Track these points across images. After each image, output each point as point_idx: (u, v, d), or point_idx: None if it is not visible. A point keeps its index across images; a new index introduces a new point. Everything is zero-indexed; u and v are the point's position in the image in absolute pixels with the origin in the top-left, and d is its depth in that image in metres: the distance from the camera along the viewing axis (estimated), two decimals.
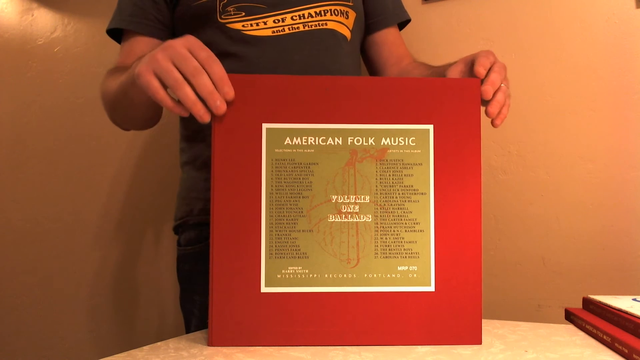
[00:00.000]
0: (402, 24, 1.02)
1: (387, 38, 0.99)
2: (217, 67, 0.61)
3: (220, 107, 0.61)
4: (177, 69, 0.60)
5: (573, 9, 1.02)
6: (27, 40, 1.53)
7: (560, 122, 1.03)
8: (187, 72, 0.60)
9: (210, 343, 0.62)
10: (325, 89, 0.63)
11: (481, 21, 1.09)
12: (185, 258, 0.93)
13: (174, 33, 0.92)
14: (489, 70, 0.67)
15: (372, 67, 1.02)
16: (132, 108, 0.79)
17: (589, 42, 1.01)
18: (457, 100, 0.64)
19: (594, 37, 1.01)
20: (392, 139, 0.64)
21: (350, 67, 0.93)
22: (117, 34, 0.92)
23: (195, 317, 0.90)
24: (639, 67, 0.98)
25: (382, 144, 0.64)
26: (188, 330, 0.92)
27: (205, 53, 0.61)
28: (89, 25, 1.47)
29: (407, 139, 0.64)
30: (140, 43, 0.89)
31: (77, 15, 1.48)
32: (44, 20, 1.52)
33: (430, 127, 0.64)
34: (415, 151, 0.64)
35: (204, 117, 0.61)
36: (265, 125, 0.63)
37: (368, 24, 0.98)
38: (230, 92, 0.61)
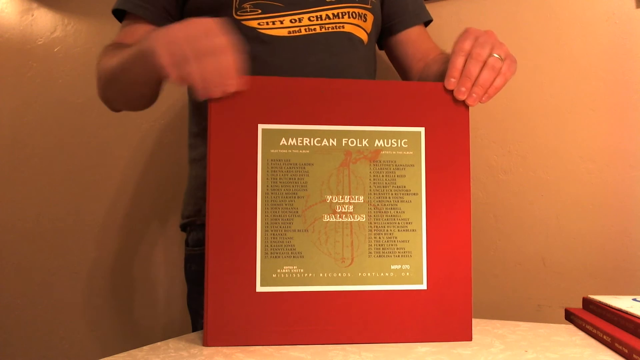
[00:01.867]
0: (425, 23, 1.00)
1: (409, 37, 0.97)
2: (227, 56, 0.60)
3: (214, 93, 0.61)
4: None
5: (573, 9, 1.02)
6: (27, 40, 1.53)
7: (560, 122, 1.03)
8: (195, 50, 0.59)
9: (205, 343, 0.62)
10: (320, 91, 0.64)
11: (482, 21, 1.09)
12: (192, 259, 0.92)
13: None
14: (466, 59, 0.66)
15: (399, 66, 1.00)
16: (130, 85, 0.78)
17: (589, 42, 1.01)
18: (447, 103, 0.65)
19: (594, 37, 1.01)
20: (385, 140, 0.65)
21: (364, 71, 0.91)
22: (120, 14, 0.91)
23: (201, 318, 0.90)
24: (639, 67, 0.98)
25: (375, 145, 0.65)
26: (195, 330, 0.92)
27: (222, 40, 0.60)
28: (89, 25, 1.47)
29: (399, 140, 0.65)
30: (142, 28, 0.87)
31: (77, 15, 1.48)
32: (44, 20, 1.52)
33: (422, 129, 0.65)
34: (407, 153, 0.65)
35: (201, 93, 0.61)
36: (261, 126, 0.63)
37: (389, 26, 0.97)
38: (231, 86, 0.61)
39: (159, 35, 0.63)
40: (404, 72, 1.00)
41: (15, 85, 1.54)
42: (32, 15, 1.53)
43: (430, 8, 1.02)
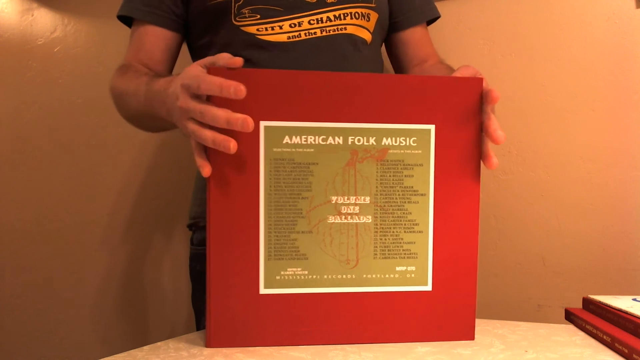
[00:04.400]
0: (431, 20, 0.99)
1: (412, 37, 0.95)
2: (209, 80, 0.58)
3: (246, 123, 0.57)
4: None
5: (573, 9, 1.02)
6: (27, 40, 1.53)
7: (560, 122, 1.03)
8: (197, 116, 0.60)
9: (208, 344, 0.62)
10: (326, 86, 0.61)
11: (481, 21, 1.09)
12: (197, 258, 0.92)
13: (188, 29, 0.90)
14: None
15: (397, 67, 0.99)
16: (155, 122, 0.78)
17: (589, 42, 1.01)
18: (459, 100, 0.62)
19: (594, 37, 1.01)
20: (393, 139, 0.62)
21: (370, 72, 0.89)
22: (127, 18, 0.91)
23: (205, 317, 0.90)
24: (639, 67, 0.98)
25: (383, 144, 0.62)
26: (198, 328, 0.92)
27: (196, 81, 0.59)
28: (89, 25, 1.46)
29: (408, 139, 0.62)
30: (151, 34, 0.87)
31: (77, 15, 1.48)
32: (44, 20, 1.52)
33: (432, 127, 0.62)
34: (416, 152, 0.63)
35: (230, 145, 0.58)
36: (263, 123, 0.61)
37: (394, 22, 0.95)
38: (239, 88, 0.57)
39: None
40: (399, 72, 0.99)
41: (15, 85, 1.53)
42: (32, 15, 1.53)
43: None
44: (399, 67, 0.99)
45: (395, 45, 0.97)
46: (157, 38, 0.87)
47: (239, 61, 0.60)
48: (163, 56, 0.89)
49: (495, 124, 0.62)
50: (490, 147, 0.64)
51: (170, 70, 0.92)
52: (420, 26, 0.96)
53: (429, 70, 0.91)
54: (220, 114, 0.58)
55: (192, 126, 0.60)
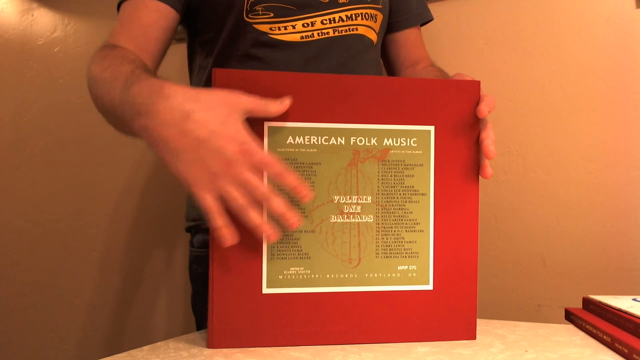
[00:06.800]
0: (424, 23, 1.00)
1: (407, 39, 0.96)
2: (290, 179, 0.56)
3: (295, 222, 0.57)
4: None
5: (573, 9, 1.03)
6: (27, 40, 1.53)
7: (560, 122, 1.03)
8: (257, 197, 0.56)
9: (210, 345, 0.62)
10: (329, 87, 0.62)
11: (481, 21, 1.09)
12: (198, 260, 0.90)
13: (191, 22, 0.86)
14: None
15: (388, 67, 1.00)
16: (124, 127, 0.68)
17: (589, 42, 1.01)
18: (458, 102, 0.64)
19: (594, 37, 1.01)
20: (394, 139, 0.63)
21: (374, 73, 0.90)
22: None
23: (206, 319, 0.90)
24: (639, 67, 0.98)
25: (384, 144, 0.63)
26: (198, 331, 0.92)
27: (275, 169, 0.56)
28: (89, 25, 1.47)
29: (408, 139, 0.64)
30: (154, 10, 0.79)
31: (77, 15, 1.48)
32: (44, 20, 1.52)
33: (432, 128, 0.64)
34: (416, 152, 0.64)
35: (271, 237, 0.58)
36: (267, 124, 0.61)
37: (390, 23, 0.95)
38: (308, 195, 0.58)
39: (198, 179, 0.56)
40: (391, 74, 0.99)
41: (15, 85, 1.54)
42: (32, 15, 1.53)
43: (430, 8, 1.02)
44: (391, 67, 0.99)
45: (389, 46, 0.98)
46: (159, 14, 0.80)
47: (287, 102, 0.60)
48: (161, 35, 0.80)
49: (491, 138, 0.63)
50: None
51: (162, 54, 0.83)
52: (415, 28, 0.97)
53: (421, 72, 0.92)
54: (280, 207, 0.56)
55: (230, 189, 0.56)
